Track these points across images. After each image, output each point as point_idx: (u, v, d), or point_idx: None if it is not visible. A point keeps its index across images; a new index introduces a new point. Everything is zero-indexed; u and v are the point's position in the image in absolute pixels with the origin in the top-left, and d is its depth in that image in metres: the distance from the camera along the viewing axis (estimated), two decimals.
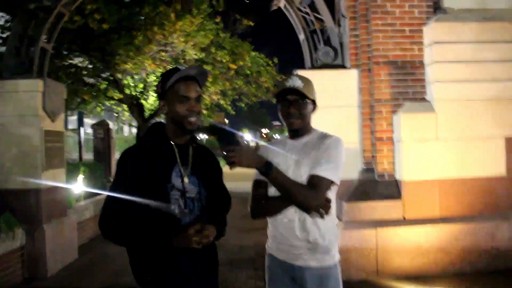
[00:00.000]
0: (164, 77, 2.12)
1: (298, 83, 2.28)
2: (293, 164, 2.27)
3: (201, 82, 2.15)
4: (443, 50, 5.30)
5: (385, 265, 5.08)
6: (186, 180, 2.09)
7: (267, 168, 2.14)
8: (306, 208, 2.17)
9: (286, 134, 2.48)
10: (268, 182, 2.27)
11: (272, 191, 2.30)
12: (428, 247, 5.10)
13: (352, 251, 5.07)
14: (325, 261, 2.26)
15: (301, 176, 2.22)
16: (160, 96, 2.15)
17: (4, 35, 8.43)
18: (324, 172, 2.18)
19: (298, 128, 2.33)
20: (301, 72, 5.77)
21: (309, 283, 2.24)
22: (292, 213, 2.24)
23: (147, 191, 1.99)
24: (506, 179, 5.35)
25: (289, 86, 2.28)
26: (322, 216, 2.21)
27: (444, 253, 5.11)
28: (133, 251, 2.07)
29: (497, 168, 5.36)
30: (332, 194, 2.27)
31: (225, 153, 2.03)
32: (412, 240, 5.10)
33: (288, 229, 2.26)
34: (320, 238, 2.24)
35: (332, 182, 2.21)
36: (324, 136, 2.33)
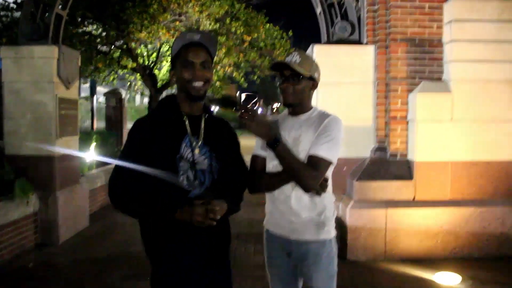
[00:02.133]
0: (173, 46, 2.09)
1: (295, 59, 2.25)
2: (291, 141, 2.28)
3: (210, 48, 2.09)
4: (462, 29, 5.15)
5: (394, 246, 5.07)
6: (197, 151, 2.03)
7: (274, 141, 2.16)
8: (305, 187, 2.20)
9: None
10: (266, 158, 2.32)
11: (270, 167, 2.32)
12: (437, 230, 5.08)
13: (361, 231, 5.08)
14: (319, 235, 2.29)
15: (298, 153, 2.24)
16: (172, 66, 2.13)
17: (19, 0, 8.42)
18: (323, 152, 2.19)
19: (292, 103, 2.32)
20: (317, 47, 5.71)
21: (303, 256, 2.30)
22: (289, 189, 2.26)
23: (155, 162, 1.95)
24: None
25: (285, 61, 2.26)
26: (319, 194, 2.25)
27: (453, 236, 5.09)
28: (143, 223, 2.06)
29: None
30: (329, 172, 2.30)
31: (240, 114, 2.06)
32: (421, 222, 5.08)
33: (285, 205, 2.29)
34: (316, 214, 2.28)
35: (330, 163, 2.23)
36: (323, 115, 2.32)
